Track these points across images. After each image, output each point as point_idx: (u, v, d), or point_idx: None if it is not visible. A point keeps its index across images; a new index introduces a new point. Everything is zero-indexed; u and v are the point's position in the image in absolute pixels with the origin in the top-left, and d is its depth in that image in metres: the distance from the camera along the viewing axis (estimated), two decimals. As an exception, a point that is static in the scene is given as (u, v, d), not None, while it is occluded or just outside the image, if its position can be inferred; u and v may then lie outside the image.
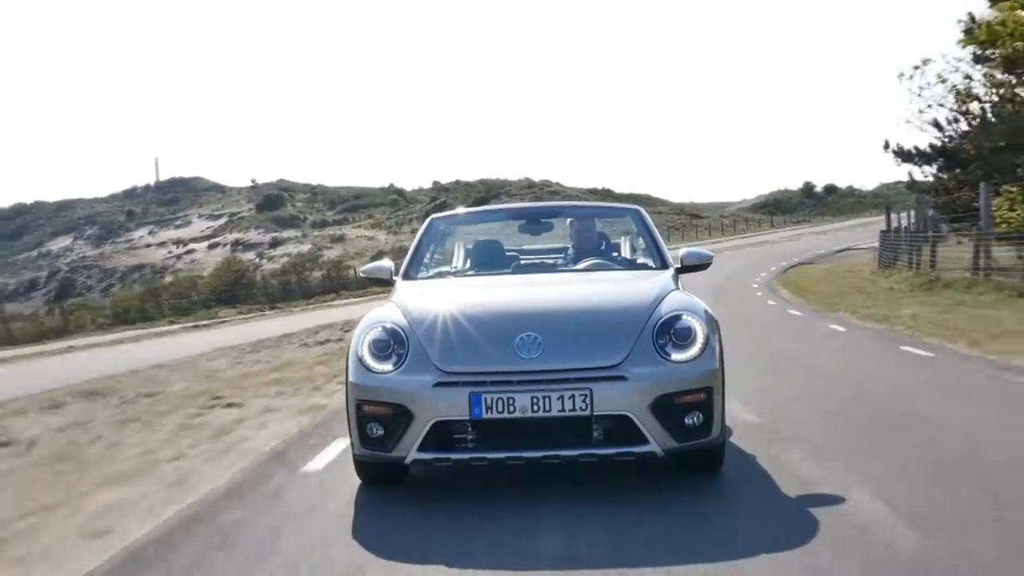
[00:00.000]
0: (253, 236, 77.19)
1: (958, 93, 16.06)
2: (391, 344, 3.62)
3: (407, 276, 4.64)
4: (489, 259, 4.97)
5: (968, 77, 15.76)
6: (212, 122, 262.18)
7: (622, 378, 3.43)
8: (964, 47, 15.54)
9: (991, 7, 17.22)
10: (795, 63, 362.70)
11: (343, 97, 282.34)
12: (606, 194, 79.16)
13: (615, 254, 5.09)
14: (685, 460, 3.69)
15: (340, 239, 68.36)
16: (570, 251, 5.11)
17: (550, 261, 5.25)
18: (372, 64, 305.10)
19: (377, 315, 3.87)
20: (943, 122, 17.09)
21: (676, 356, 3.52)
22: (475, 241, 5.32)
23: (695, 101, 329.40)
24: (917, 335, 9.22)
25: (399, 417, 3.46)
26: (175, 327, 23.66)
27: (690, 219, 72.23)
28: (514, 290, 4.29)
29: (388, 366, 3.57)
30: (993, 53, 15.50)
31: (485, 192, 78.06)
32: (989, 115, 16.73)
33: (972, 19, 16.38)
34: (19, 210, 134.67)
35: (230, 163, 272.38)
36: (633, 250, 5.17)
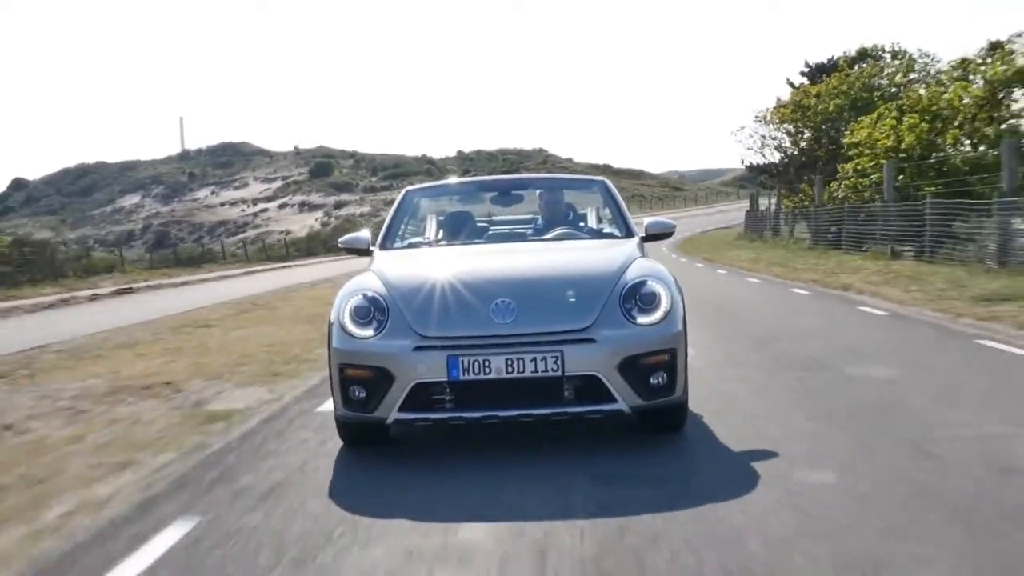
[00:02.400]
0: (315, 198, 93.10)
1: (762, 143, 31.83)
2: (371, 311, 3.79)
3: (384, 246, 4.82)
4: (461, 229, 5.18)
5: (763, 136, 31.54)
6: (239, 87, 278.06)
7: (591, 340, 3.61)
8: (782, 117, 31.05)
9: (795, 89, 32.93)
10: (790, 42, 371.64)
11: (375, 67, 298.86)
12: (606, 168, 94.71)
13: (582, 224, 5.29)
14: (651, 417, 3.95)
15: (391, 202, 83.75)
16: (539, 221, 5.29)
17: (520, 231, 5.37)
18: (403, 37, 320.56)
19: (357, 283, 4.04)
20: (762, 155, 32.73)
21: (641, 319, 3.72)
22: (448, 212, 5.53)
23: (698, 81, 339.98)
24: (692, 255, 25.14)
25: (380, 380, 3.64)
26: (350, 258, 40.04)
27: (673, 191, 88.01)
28: (489, 258, 4.42)
29: (369, 332, 3.74)
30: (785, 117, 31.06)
31: (508, 167, 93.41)
32: (787, 152, 32.31)
33: (788, 100, 31.97)
34: (85, 169, 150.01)
35: (258, 127, 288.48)
36: (599, 220, 5.40)
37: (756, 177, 35.20)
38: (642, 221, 4.89)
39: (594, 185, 5.54)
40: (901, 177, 19.11)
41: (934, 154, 19.36)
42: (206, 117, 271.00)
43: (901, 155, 19.69)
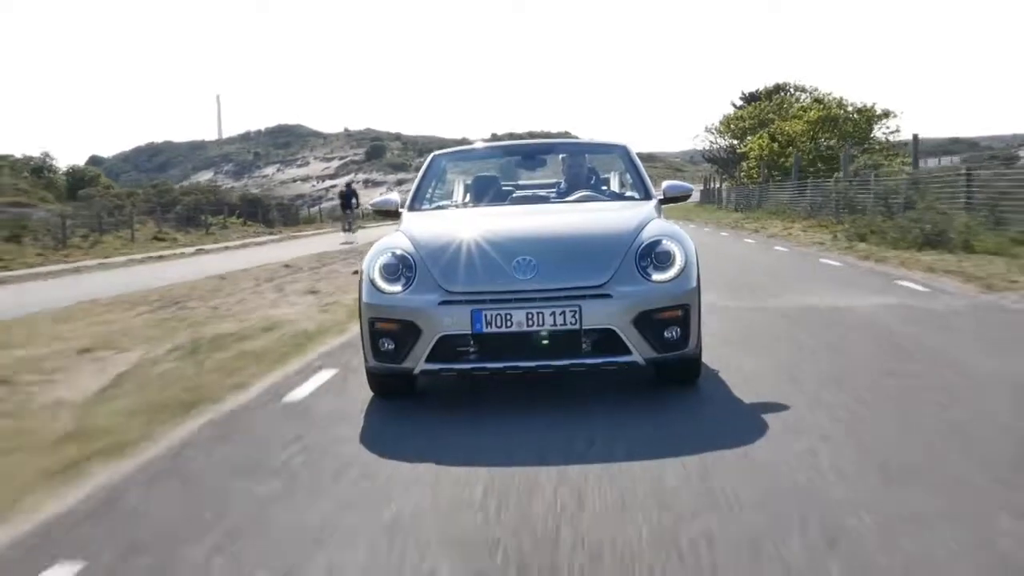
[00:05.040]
0: (376, 176, 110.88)
1: (711, 145, 49.16)
2: (400, 268, 3.97)
3: (412, 208, 4.99)
4: (487, 192, 5.33)
5: (711, 141, 48.86)
6: (285, 70, 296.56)
7: (608, 296, 3.78)
8: (721, 129, 48.25)
9: (736, 109, 50.30)
10: (790, 29, 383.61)
11: (413, 52, 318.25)
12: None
13: (604, 188, 5.46)
14: (664, 370, 4.15)
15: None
16: (562, 185, 5.42)
17: (543, 194, 5.49)
18: (438, 24, 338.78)
19: (386, 242, 4.20)
20: (715, 152, 50.00)
21: (656, 276, 3.88)
22: (474, 176, 5.66)
23: (714, 59, 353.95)
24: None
25: (408, 332, 3.82)
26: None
27: (675, 172, 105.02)
28: (511, 219, 4.59)
29: (397, 287, 3.92)
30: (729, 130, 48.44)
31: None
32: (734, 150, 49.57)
33: (726, 117, 49.39)
34: (156, 148, 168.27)
35: (307, 108, 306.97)
36: (621, 184, 5.59)
37: (712, 166, 52.55)
38: (661, 184, 5.02)
39: (615, 149, 5.72)
40: (764, 170, 36.42)
41: (789, 158, 36.63)
42: (256, 99, 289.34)
43: (763, 160, 37.11)
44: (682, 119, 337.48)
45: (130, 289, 10.87)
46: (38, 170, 45.69)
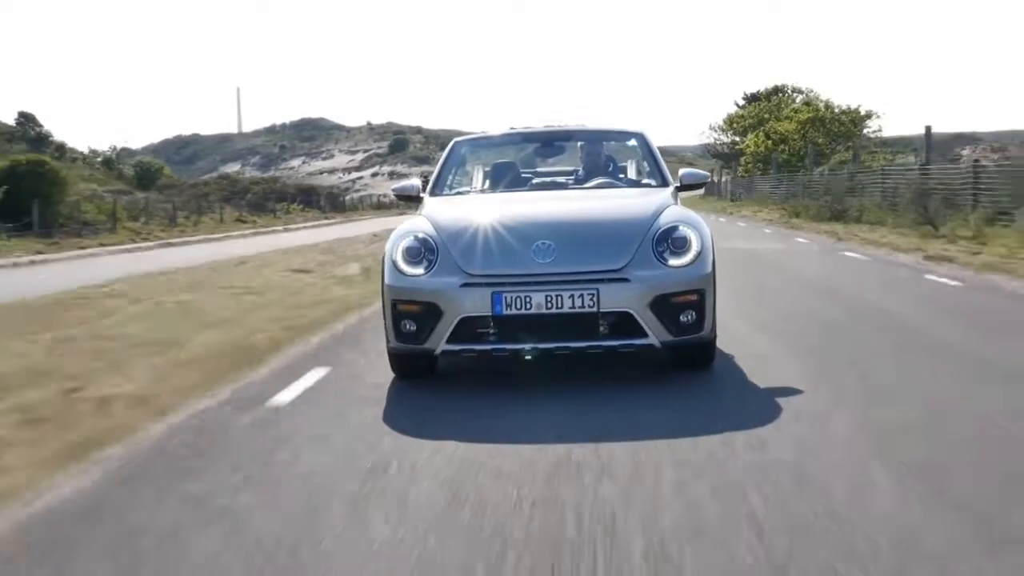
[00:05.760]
0: (401, 168, 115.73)
1: (715, 141, 53.88)
2: (422, 251, 4.07)
3: (433, 193, 5.07)
4: (506, 178, 5.41)
5: (716, 137, 53.61)
6: (304, 64, 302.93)
7: (625, 280, 3.88)
8: (724, 127, 53.06)
9: (738, 108, 55.11)
10: (809, 25, 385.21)
11: (434, 48, 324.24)
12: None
13: (621, 175, 5.53)
14: (680, 353, 4.20)
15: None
16: (580, 172, 5.52)
17: (561, 180, 5.57)
18: (460, 21, 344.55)
19: (409, 226, 4.32)
20: (718, 147, 54.75)
21: (673, 262, 3.98)
22: (493, 163, 5.76)
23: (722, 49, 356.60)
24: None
25: (430, 314, 3.93)
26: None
27: (687, 165, 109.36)
28: (530, 204, 4.70)
29: (420, 270, 4.03)
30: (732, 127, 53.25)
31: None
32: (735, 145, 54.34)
33: (729, 116, 54.22)
34: (185, 141, 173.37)
35: (328, 102, 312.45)
36: (638, 171, 5.59)
37: (716, 161, 57.39)
38: (677, 172, 5.05)
39: (632, 137, 5.76)
40: (759, 164, 41.22)
41: (773, 155, 41.38)
42: (277, 92, 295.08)
43: (756, 156, 41.92)
44: (699, 114, 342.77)
45: (287, 246, 15.91)
46: (108, 162, 50.95)
